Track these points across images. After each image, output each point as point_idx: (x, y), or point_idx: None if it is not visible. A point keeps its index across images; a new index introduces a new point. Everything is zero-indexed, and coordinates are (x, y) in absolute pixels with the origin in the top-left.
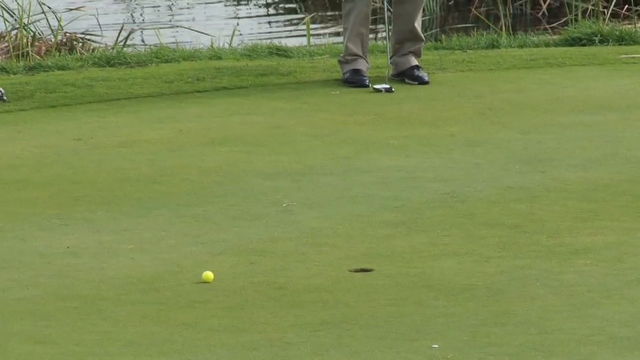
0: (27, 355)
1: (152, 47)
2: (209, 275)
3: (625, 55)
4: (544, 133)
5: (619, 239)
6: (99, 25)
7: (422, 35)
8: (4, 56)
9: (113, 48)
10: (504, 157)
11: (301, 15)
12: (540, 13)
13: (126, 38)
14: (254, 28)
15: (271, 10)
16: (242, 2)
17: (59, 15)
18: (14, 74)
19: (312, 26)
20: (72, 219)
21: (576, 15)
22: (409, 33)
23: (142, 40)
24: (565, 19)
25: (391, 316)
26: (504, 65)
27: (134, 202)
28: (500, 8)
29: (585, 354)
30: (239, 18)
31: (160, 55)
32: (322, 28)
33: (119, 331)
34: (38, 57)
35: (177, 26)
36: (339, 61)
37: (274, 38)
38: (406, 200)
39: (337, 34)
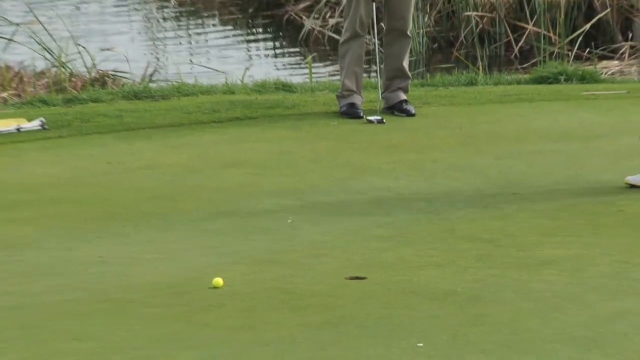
0: (66, 350)
1: (173, 82)
2: (218, 281)
3: (587, 92)
4: (515, 159)
5: (579, 252)
6: (128, 63)
7: (409, 74)
8: (45, 90)
9: (140, 83)
10: (481, 180)
11: (304, 56)
12: (513, 55)
13: (151, 75)
14: (262, 66)
15: (278, 51)
16: (252, 44)
17: (92, 54)
18: (54, 105)
19: (313, 65)
20: (104, 232)
21: (544, 57)
22: (398, 71)
23: (165, 77)
24: (534, 60)
25: (382, 318)
26: (481, 100)
27: (158, 217)
28: (478, 50)
29: (550, 350)
30: (250, 58)
31: (181, 90)
32: (322, 67)
33: (145, 329)
34: (74, 91)
35: (196, 65)
36: (337, 96)
37: (280, 75)
38: (395, 217)
39: (335, 73)
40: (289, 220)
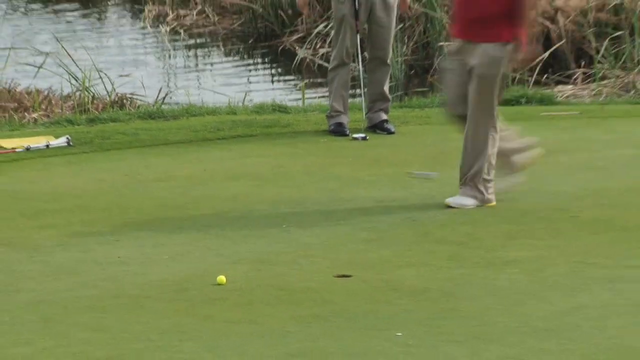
0: (86, 340)
1: (183, 104)
2: (222, 278)
3: (545, 113)
4: None
5: (539, 253)
6: (143, 88)
7: (389, 97)
8: (70, 111)
9: (154, 105)
10: (452, 190)
11: (298, 81)
12: None
13: (163, 98)
14: (261, 90)
15: (274, 77)
16: (252, 71)
17: (112, 80)
18: (78, 125)
19: (305, 89)
20: (122, 236)
21: (507, 82)
22: (380, 95)
23: (176, 100)
24: None
25: (366, 311)
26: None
27: (170, 223)
28: None
29: (514, 341)
30: (249, 83)
31: (190, 111)
32: (313, 91)
33: (155, 322)
34: (96, 112)
35: (202, 88)
36: (326, 116)
37: (277, 98)
38: (377, 223)
39: (325, 96)
40: (284, 226)
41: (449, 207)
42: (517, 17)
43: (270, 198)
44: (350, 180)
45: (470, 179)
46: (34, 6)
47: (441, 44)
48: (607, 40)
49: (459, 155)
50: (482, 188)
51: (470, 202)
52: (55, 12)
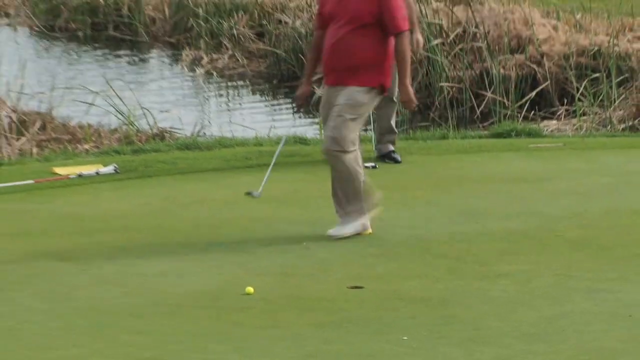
0: (131, 342)
1: (216, 137)
2: (249, 289)
3: (532, 145)
4: (477, 197)
5: (528, 267)
6: (181, 122)
7: (396, 130)
8: (117, 143)
9: (190, 137)
10: (451, 212)
11: (315, 117)
12: (476, 116)
13: (199, 131)
14: (284, 124)
15: (295, 113)
16: (276, 107)
17: (154, 115)
18: (124, 154)
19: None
20: (161, 252)
21: (500, 117)
22: (388, 128)
23: (209, 132)
24: (492, 120)
25: (375, 318)
26: (451, 151)
27: (204, 240)
28: (448, 112)
29: (505, 343)
30: (274, 118)
31: (222, 143)
32: None
33: (193, 327)
34: (140, 144)
35: (233, 123)
36: None
37: (297, 131)
38: (385, 240)
39: None
40: (304, 243)
41: (330, 236)
42: (384, 65)
43: (291, 218)
44: None
45: (350, 211)
46: (85, 48)
47: (441, 84)
48: (586, 81)
49: (456, 180)
50: (358, 217)
51: (350, 230)
52: (104, 55)
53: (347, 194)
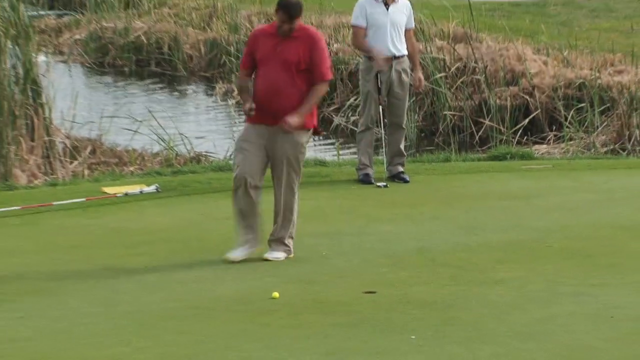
0: (172, 342)
1: None
2: (276, 294)
3: (525, 166)
4: (477, 211)
5: (522, 274)
6: (215, 147)
7: (405, 153)
8: (158, 165)
9: (223, 160)
10: (453, 226)
11: (334, 142)
12: (475, 141)
13: (231, 154)
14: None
15: (316, 138)
16: None
17: (191, 141)
18: (165, 175)
19: (340, 148)
20: (198, 261)
21: (496, 142)
22: (397, 152)
23: None
24: (490, 144)
25: (386, 319)
26: (453, 172)
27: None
28: (451, 138)
29: (501, 342)
30: None
31: None
32: (346, 150)
33: (224, 327)
34: (178, 166)
35: None
36: (356, 169)
37: (318, 154)
38: (395, 251)
39: (354, 153)
40: (324, 253)
41: (266, 259)
42: (314, 109)
43: (312, 231)
44: (375, 218)
45: (284, 238)
46: (130, 82)
47: (445, 112)
48: (573, 110)
49: (457, 198)
50: (289, 244)
51: (282, 255)
52: (147, 88)
53: (287, 226)
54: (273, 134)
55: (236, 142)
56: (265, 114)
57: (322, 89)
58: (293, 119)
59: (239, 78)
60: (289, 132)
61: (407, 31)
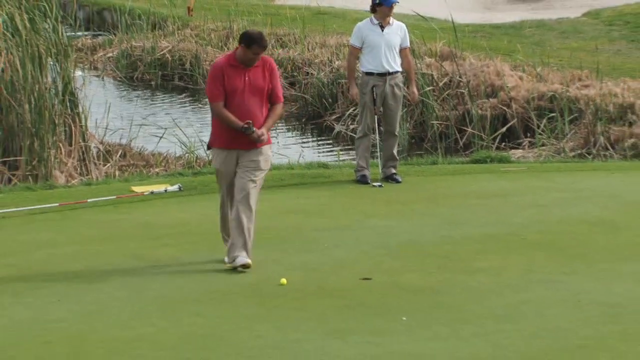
0: (192, 322)
1: None
2: (283, 280)
3: (503, 169)
4: (461, 209)
5: (499, 264)
6: None
7: (397, 157)
8: (181, 167)
9: None
10: (440, 221)
11: (335, 147)
12: (459, 146)
13: None
14: (310, 153)
15: (320, 144)
16: (304, 139)
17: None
18: (187, 176)
19: (340, 153)
20: (215, 251)
21: (478, 147)
22: (391, 156)
23: None
24: (472, 149)
25: (381, 303)
26: (440, 174)
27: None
28: (438, 144)
29: (481, 323)
30: (302, 147)
31: None
32: (346, 154)
33: (240, 310)
34: (199, 167)
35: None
36: (354, 171)
37: (321, 158)
38: (388, 243)
39: (353, 157)
40: (325, 245)
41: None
42: (271, 125)
43: (316, 226)
44: (371, 214)
45: (248, 245)
46: (157, 94)
47: (432, 122)
48: (545, 120)
49: (443, 197)
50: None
51: (249, 260)
52: (171, 100)
53: (250, 232)
54: (246, 154)
55: (217, 168)
56: (241, 141)
57: (280, 109)
58: (263, 132)
59: (220, 111)
60: (259, 144)
61: (403, 50)
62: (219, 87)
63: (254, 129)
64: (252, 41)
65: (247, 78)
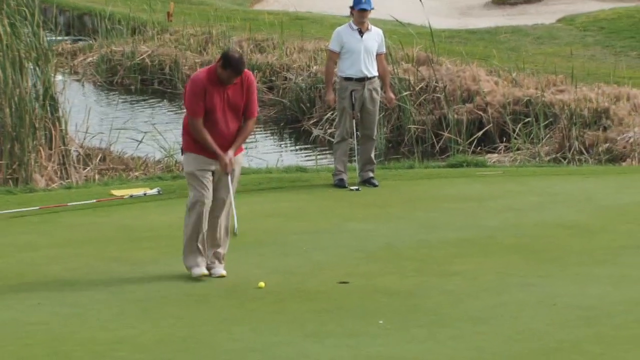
0: (171, 324)
1: None
2: (262, 284)
3: (480, 173)
4: (437, 212)
5: (474, 267)
6: None
7: (375, 161)
8: (160, 171)
9: None
10: (416, 225)
11: (313, 151)
12: (436, 150)
13: None
14: (289, 157)
15: (298, 148)
16: (282, 144)
17: None
18: (165, 180)
19: (318, 156)
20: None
21: (454, 152)
22: (368, 160)
23: None
24: (448, 154)
25: (358, 306)
26: (416, 177)
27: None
28: (415, 148)
29: (457, 326)
30: (281, 152)
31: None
32: (324, 158)
33: (218, 313)
34: (178, 172)
35: (249, 156)
36: (332, 174)
37: (299, 162)
38: (365, 247)
39: (331, 161)
40: (304, 248)
41: (223, 276)
42: (242, 142)
43: (294, 229)
44: (349, 217)
45: (224, 255)
46: (136, 98)
47: (409, 126)
48: (520, 124)
49: (419, 200)
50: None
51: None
52: (151, 104)
53: (227, 241)
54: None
55: (192, 171)
56: (223, 147)
57: (253, 125)
58: (232, 156)
59: (199, 129)
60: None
61: (378, 55)
62: (200, 104)
63: (225, 159)
64: (228, 64)
65: (225, 95)
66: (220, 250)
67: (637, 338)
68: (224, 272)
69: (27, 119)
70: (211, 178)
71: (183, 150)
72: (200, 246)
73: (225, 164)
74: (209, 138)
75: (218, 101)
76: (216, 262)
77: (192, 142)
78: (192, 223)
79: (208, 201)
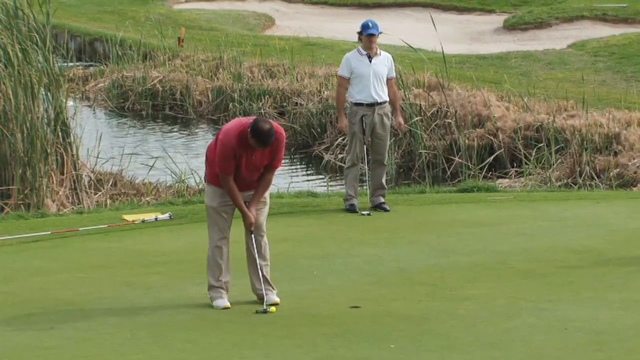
0: (182, 349)
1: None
2: (273, 308)
3: (490, 198)
4: (448, 237)
5: (486, 292)
6: None
7: (386, 186)
8: (172, 196)
9: None
10: (428, 249)
11: (324, 176)
12: (447, 175)
13: None
14: (299, 182)
15: (309, 172)
16: (294, 168)
17: (200, 175)
18: (177, 205)
19: (329, 182)
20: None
21: (465, 177)
22: (379, 185)
23: None
24: (459, 178)
25: (370, 330)
26: (428, 203)
27: (239, 270)
28: (426, 173)
29: (469, 350)
30: (291, 177)
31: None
32: (335, 183)
33: (229, 337)
34: (189, 196)
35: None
36: (343, 199)
37: (310, 187)
38: (377, 271)
39: (342, 186)
40: (315, 272)
41: (276, 304)
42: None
43: (305, 254)
44: (360, 242)
45: (270, 280)
46: (147, 124)
47: (420, 151)
48: (532, 149)
49: (431, 224)
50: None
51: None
52: (162, 129)
53: (268, 269)
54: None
55: (214, 207)
56: (246, 186)
57: (271, 176)
58: (255, 213)
59: (229, 185)
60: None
61: (388, 80)
62: (232, 164)
63: (250, 217)
64: (254, 135)
65: (253, 156)
66: (265, 272)
67: None
68: (277, 299)
69: (39, 144)
70: (232, 212)
71: (206, 179)
72: (219, 284)
73: (250, 223)
74: (237, 195)
75: (245, 160)
76: (269, 287)
77: (216, 175)
78: (211, 267)
79: (227, 241)
